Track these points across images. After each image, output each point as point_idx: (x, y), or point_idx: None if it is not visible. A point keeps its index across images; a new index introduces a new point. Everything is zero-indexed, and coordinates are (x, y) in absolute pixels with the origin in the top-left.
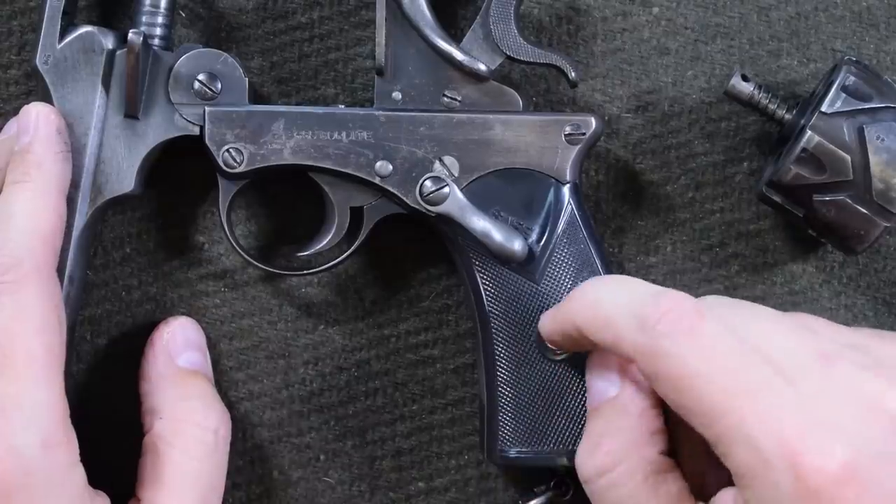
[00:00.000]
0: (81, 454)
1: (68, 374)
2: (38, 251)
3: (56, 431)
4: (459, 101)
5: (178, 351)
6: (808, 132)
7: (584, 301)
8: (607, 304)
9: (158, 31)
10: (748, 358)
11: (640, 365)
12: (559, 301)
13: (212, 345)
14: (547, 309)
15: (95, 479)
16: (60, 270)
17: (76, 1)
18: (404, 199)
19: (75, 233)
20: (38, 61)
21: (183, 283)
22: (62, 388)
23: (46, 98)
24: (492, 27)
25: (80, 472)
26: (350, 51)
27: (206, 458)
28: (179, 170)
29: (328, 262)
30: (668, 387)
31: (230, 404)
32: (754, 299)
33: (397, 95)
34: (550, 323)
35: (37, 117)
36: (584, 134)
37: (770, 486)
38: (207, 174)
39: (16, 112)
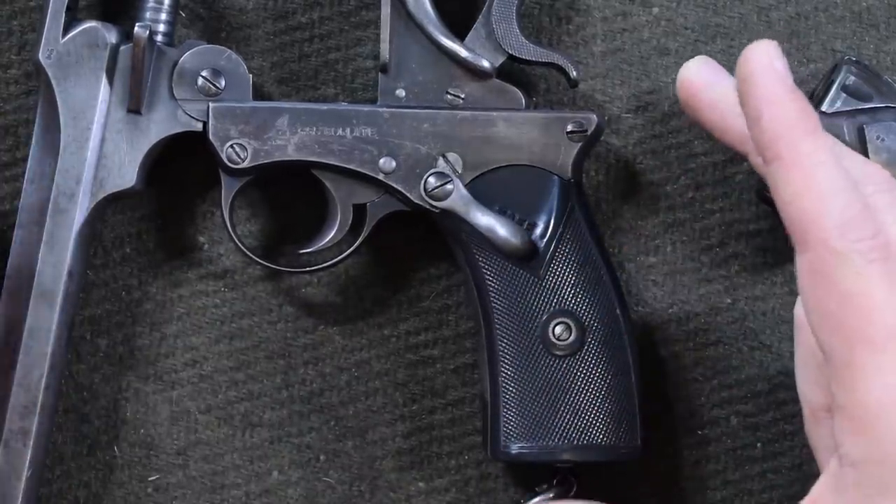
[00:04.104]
0: (82, 453)
1: (68, 374)
2: None
3: None
4: (463, 99)
5: None
6: None
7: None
8: (829, 181)
9: (162, 27)
10: None
11: (815, 259)
12: (563, 297)
13: (212, 345)
14: (550, 304)
15: (95, 479)
16: (60, 266)
17: None
18: (408, 195)
19: (75, 228)
20: (41, 56)
21: (183, 283)
22: None
23: (48, 93)
24: (494, 26)
25: None
26: (350, 51)
27: None
28: (180, 169)
29: (330, 260)
30: (835, 296)
31: (230, 404)
32: (754, 299)
33: (401, 92)
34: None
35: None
36: (586, 131)
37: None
38: (208, 174)
39: (16, 112)
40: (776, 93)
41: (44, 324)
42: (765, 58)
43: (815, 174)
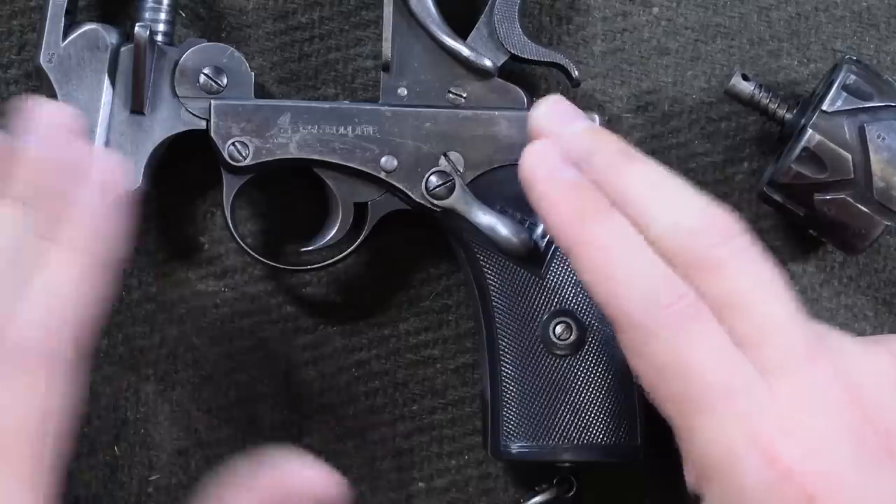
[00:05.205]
0: (82, 453)
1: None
2: (54, 337)
3: None
4: (465, 98)
5: None
6: (810, 131)
7: (595, 247)
8: (622, 261)
9: (162, 26)
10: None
11: (627, 338)
12: (563, 296)
13: (212, 345)
14: (551, 304)
15: (95, 479)
16: None
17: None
18: (410, 194)
19: None
20: (42, 60)
21: (183, 283)
22: (47, 496)
23: (51, 97)
24: (496, 25)
25: None
26: (350, 51)
27: None
28: (180, 170)
29: (330, 259)
30: (652, 370)
31: (230, 405)
32: None
33: (403, 91)
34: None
35: (91, 153)
36: None
37: (738, 476)
38: (208, 174)
39: None
40: (549, 193)
41: None
42: (536, 159)
43: (604, 259)
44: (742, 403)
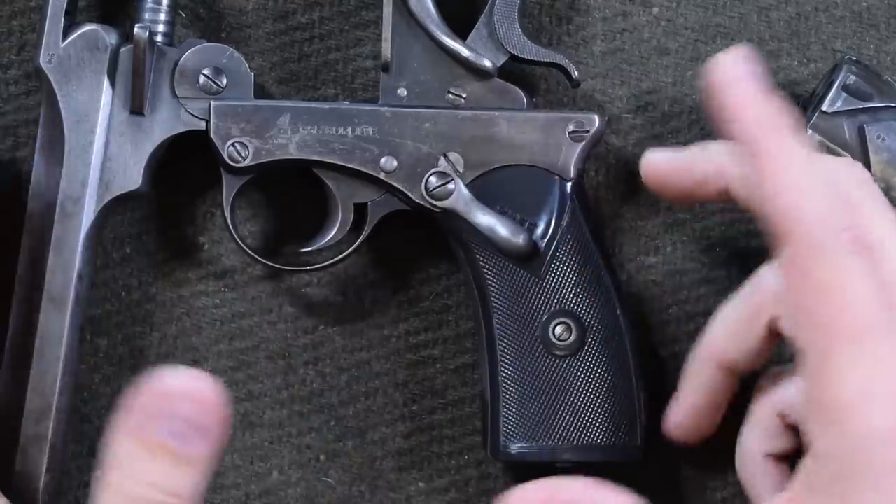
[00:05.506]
0: (82, 453)
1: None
2: None
3: None
4: (464, 98)
5: None
6: (809, 131)
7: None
8: (810, 176)
9: (161, 27)
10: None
11: (795, 252)
12: (563, 297)
13: (212, 345)
14: (550, 304)
15: (94, 478)
16: (69, 269)
17: (77, 0)
18: (409, 194)
19: (83, 231)
20: (42, 61)
21: (183, 283)
22: None
23: (51, 97)
24: (496, 25)
25: None
26: (350, 51)
27: None
28: (180, 170)
29: (330, 260)
30: (811, 288)
31: (230, 404)
32: None
33: (402, 92)
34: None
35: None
36: (587, 131)
37: (864, 417)
38: (208, 174)
39: (16, 112)
40: (752, 93)
41: (55, 328)
42: (739, 62)
43: (794, 169)
44: (887, 345)
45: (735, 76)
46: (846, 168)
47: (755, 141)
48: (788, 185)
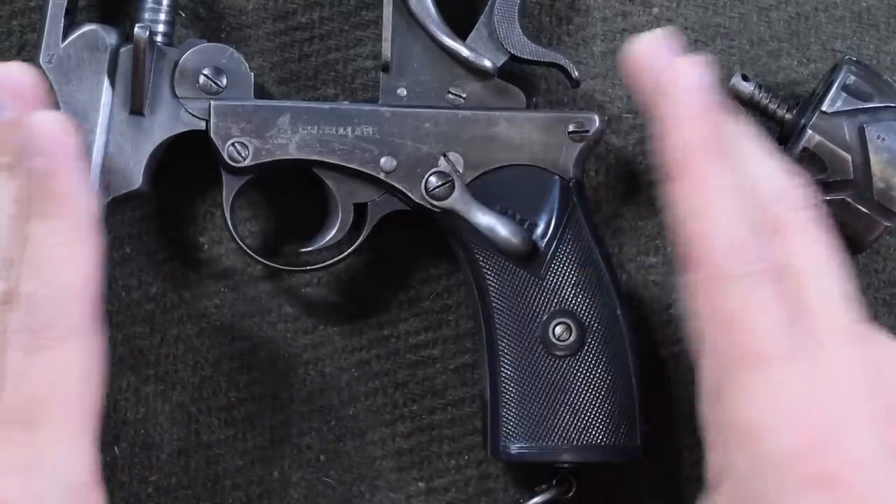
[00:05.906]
0: None
1: None
2: (76, 305)
3: (83, 495)
4: (464, 98)
5: None
6: (809, 131)
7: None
8: (723, 203)
9: (161, 27)
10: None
11: (698, 278)
12: (563, 297)
13: (212, 345)
14: (550, 304)
15: None
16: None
17: (77, 0)
18: (409, 194)
19: None
20: (42, 61)
21: (183, 283)
22: (94, 448)
23: (51, 98)
24: (496, 25)
25: None
26: (350, 51)
27: None
28: (180, 170)
29: (330, 260)
30: (714, 315)
31: (230, 405)
32: None
33: (402, 91)
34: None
35: (53, 133)
36: (587, 131)
37: (771, 441)
38: (208, 174)
39: None
40: (691, 113)
41: None
42: (689, 72)
43: (711, 197)
44: (790, 369)
45: (685, 87)
46: (783, 192)
47: (677, 164)
48: (701, 213)
